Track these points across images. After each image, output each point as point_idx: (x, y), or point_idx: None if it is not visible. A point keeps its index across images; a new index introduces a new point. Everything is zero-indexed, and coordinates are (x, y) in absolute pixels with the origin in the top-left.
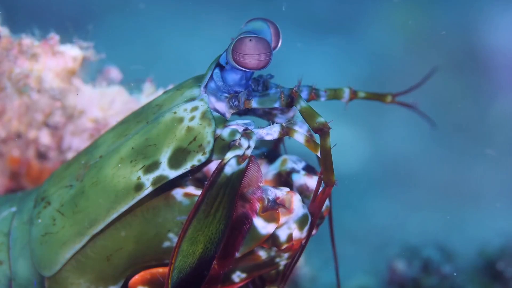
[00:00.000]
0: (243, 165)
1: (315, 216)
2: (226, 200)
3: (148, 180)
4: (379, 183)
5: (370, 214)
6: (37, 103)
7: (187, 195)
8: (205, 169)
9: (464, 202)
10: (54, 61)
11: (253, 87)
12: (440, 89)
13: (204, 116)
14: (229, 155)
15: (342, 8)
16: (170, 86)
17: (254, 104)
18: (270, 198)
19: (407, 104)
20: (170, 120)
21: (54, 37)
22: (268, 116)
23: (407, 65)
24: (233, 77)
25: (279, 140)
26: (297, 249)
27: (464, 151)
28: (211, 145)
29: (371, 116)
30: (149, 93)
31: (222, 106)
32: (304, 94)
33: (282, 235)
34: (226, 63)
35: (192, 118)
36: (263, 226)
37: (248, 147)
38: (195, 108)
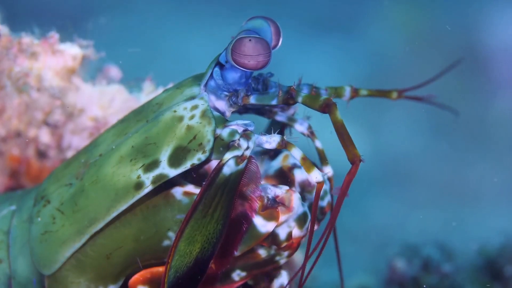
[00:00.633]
0: (241, 165)
1: (338, 201)
2: (224, 200)
3: (148, 179)
4: (379, 182)
5: (370, 213)
6: (37, 101)
7: (186, 193)
8: (206, 166)
9: (464, 201)
10: (54, 59)
11: (253, 85)
12: (440, 88)
13: (204, 114)
14: (228, 155)
15: (342, 7)
16: (170, 85)
17: (252, 100)
18: (270, 196)
19: (418, 98)
20: (170, 118)
21: (54, 35)
22: (268, 114)
23: (407, 64)
24: (232, 75)
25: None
26: (297, 248)
27: (464, 150)
28: (211, 143)
29: (371, 115)
30: (149, 92)
31: (222, 105)
32: (305, 91)
33: (282, 233)
34: (226, 62)
35: (192, 117)
36: (262, 225)
37: (247, 148)
38: (195, 107)
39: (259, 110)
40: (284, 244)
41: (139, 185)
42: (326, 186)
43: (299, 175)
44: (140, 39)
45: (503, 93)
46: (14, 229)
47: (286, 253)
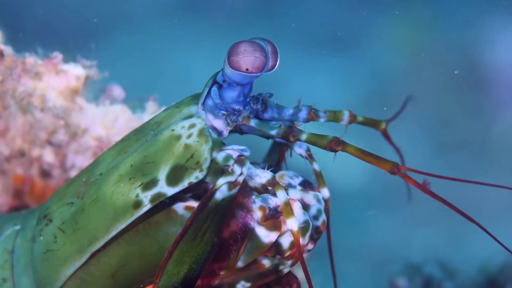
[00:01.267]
0: (234, 191)
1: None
2: (215, 224)
3: (146, 198)
4: (381, 199)
5: (371, 231)
6: (40, 121)
7: (188, 208)
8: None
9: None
10: (57, 79)
11: (252, 105)
12: (441, 107)
13: (201, 133)
14: (221, 181)
15: (343, 27)
16: None
17: (252, 123)
18: (271, 206)
19: (394, 145)
20: (168, 137)
21: (58, 56)
22: (268, 135)
23: (408, 83)
24: (230, 94)
25: (281, 158)
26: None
27: (465, 168)
28: (208, 162)
29: (372, 131)
30: (152, 112)
31: (219, 124)
32: (304, 113)
33: (285, 242)
34: (223, 81)
35: (189, 136)
36: (265, 235)
37: (241, 173)
38: (192, 126)
39: (256, 132)
40: (287, 253)
41: (137, 204)
42: (321, 206)
43: (294, 195)
44: (144, 58)
45: (504, 111)
46: (18, 248)
47: (289, 262)
